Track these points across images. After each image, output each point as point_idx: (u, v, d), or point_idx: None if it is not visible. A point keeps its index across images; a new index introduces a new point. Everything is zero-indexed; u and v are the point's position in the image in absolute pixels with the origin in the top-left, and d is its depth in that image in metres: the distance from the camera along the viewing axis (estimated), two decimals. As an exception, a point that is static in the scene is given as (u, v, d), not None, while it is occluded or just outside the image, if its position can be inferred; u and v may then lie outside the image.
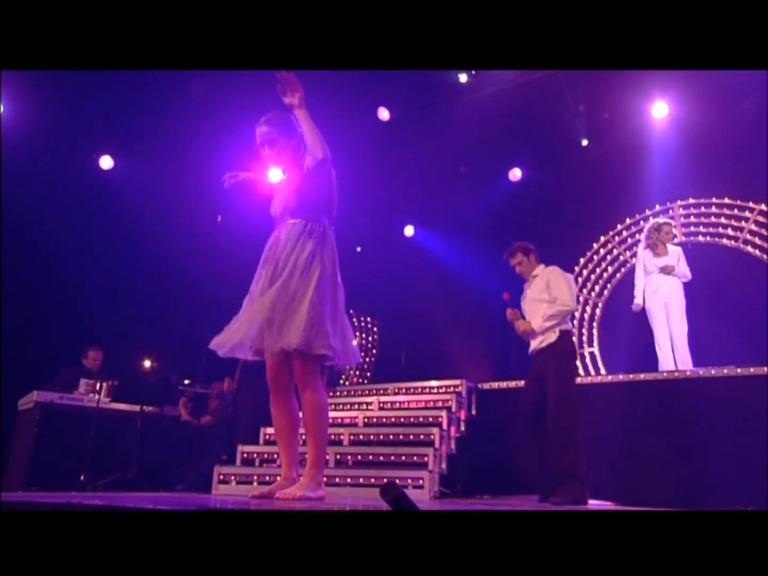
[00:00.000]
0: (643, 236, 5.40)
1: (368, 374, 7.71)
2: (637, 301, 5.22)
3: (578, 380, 4.66)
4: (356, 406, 4.96)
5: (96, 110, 5.55)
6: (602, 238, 6.54)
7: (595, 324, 6.37)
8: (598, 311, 6.40)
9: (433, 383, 4.98)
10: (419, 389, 5.01)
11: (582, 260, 6.57)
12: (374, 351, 7.90)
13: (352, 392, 5.39)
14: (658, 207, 6.28)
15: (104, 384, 4.90)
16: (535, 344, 3.69)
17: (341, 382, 6.80)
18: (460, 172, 7.30)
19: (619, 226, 6.49)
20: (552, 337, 3.57)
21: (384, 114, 6.66)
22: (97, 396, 4.81)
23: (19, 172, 5.15)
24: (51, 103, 5.35)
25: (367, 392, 5.22)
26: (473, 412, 4.74)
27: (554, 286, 3.63)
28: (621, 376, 4.39)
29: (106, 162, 6.07)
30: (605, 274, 6.46)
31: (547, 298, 3.63)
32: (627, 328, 5.71)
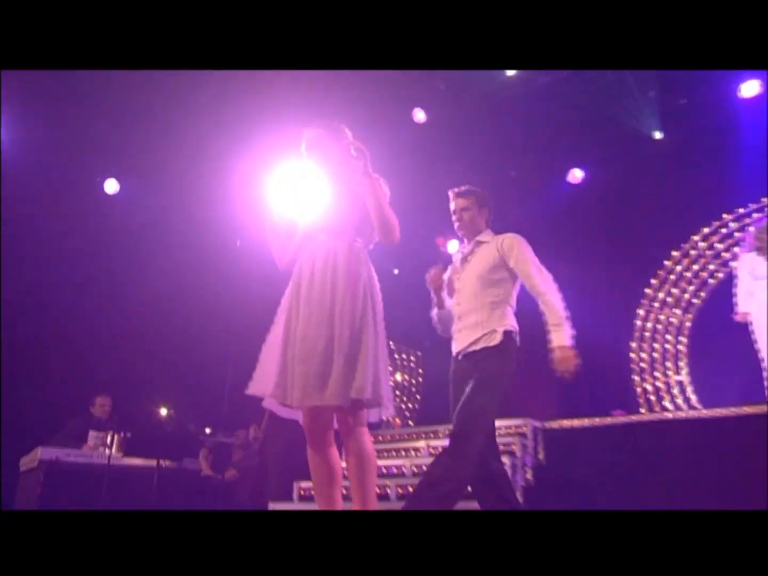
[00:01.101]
0: (748, 238, 5.22)
1: (413, 415, 7.62)
2: (744, 309, 5.00)
3: (666, 415, 4.50)
4: (402, 452, 4.90)
5: (98, 131, 5.75)
6: (684, 246, 6.43)
7: (681, 348, 6.18)
8: (685, 333, 6.23)
9: (491, 424, 4.88)
10: (475, 431, 4.91)
11: (661, 272, 6.46)
12: (418, 389, 7.82)
13: (397, 437, 5.33)
14: (752, 206, 6.10)
15: (116, 436, 4.96)
16: (462, 344, 3.00)
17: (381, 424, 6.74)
18: (510, 177, 7.26)
19: (706, 230, 6.35)
20: (495, 338, 2.91)
21: (420, 116, 6.69)
22: (107, 451, 4.87)
23: (20, 205, 5.36)
24: (53, 127, 5.57)
25: (414, 436, 5.15)
26: (541, 457, 4.61)
27: (525, 268, 2.97)
28: (721, 411, 4.18)
29: (111, 186, 6.26)
30: (690, 288, 6.32)
31: (504, 276, 3.02)
32: (722, 351, 5.50)
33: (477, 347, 2.94)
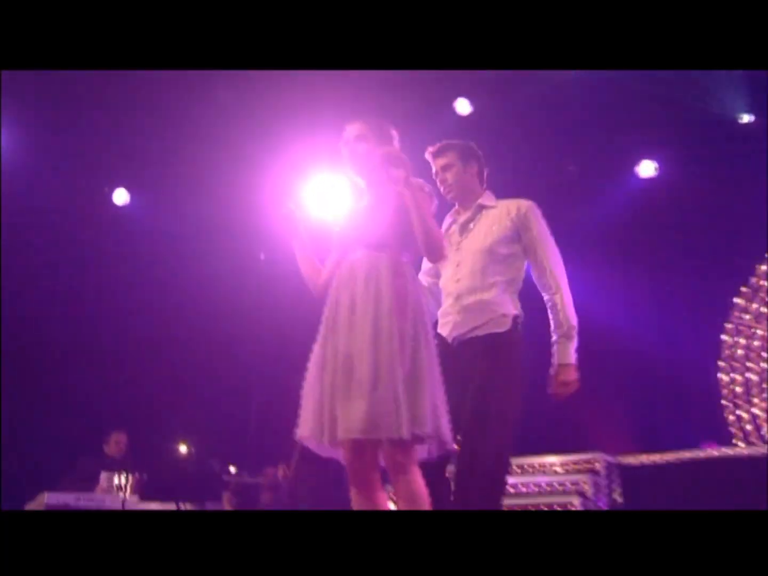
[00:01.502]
0: None
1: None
2: None
3: (744, 452, 4.38)
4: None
5: (108, 136, 5.88)
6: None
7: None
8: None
9: (553, 459, 4.88)
10: (536, 467, 4.91)
11: (753, 279, 6.41)
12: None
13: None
14: None
15: (130, 477, 5.00)
16: (462, 328, 2.79)
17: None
18: (568, 172, 7.19)
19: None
20: (502, 324, 2.74)
21: (463, 106, 6.68)
22: (122, 494, 4.91)
23: (22, 230, 5.49)
24: (57, 131, 5.71)
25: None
26: (617, 498, 4.50)
27: (543, 249, 2.81)
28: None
29: (120, 196, 6.36)
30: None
31: (516, 251, 2.83)
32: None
33: (481, 333, 2.73)
